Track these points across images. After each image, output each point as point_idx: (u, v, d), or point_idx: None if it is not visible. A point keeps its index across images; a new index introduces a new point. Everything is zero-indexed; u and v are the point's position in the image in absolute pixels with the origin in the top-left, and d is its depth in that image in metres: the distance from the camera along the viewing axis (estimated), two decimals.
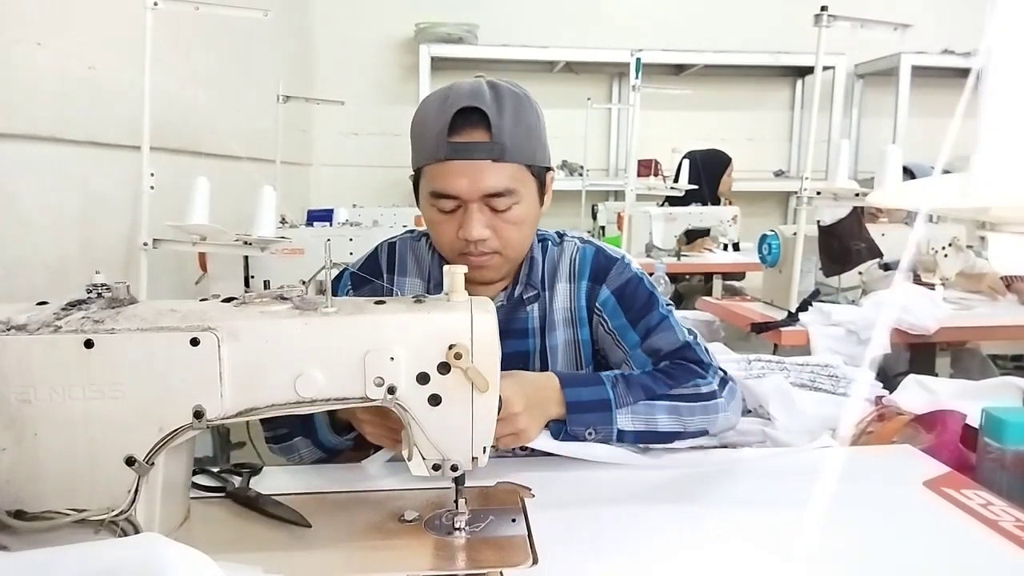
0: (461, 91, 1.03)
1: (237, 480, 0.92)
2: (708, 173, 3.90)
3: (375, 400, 0.72)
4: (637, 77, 3.33)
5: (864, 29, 2.33)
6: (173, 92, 1.98)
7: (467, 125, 1.01)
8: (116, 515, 0.69)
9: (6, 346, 0.66)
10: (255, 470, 0.96)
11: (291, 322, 0.71)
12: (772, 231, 2.47)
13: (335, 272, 0.83)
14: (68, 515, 0.68)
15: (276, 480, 0.95)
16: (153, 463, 0.70)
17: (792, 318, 2.15)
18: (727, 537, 0.80)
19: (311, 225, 2.99)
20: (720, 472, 0.99)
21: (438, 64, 4.62)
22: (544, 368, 1.15)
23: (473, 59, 4.56)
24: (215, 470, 0.96)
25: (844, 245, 2.24)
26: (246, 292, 0.76)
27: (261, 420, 0.86)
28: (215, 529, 0.82)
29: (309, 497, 0.90)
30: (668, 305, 1.17)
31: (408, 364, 0.72)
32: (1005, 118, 0.43)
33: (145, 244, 1.78)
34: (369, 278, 1.16)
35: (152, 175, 1.79)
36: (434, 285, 1.17)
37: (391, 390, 0.72)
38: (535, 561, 0.74)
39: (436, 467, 0.77)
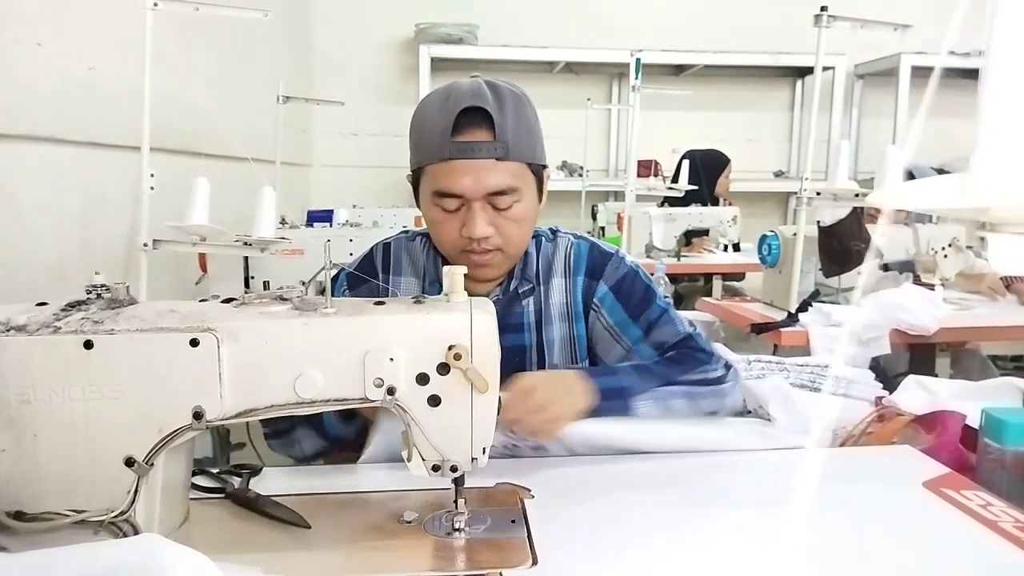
0: (462, 91, 1.04)
1: (237, 481, 0.92)
2: (706, 173, 3.90)
3: (375, 401, 0.72)
4: (637, 77, 3.33)
5: (864, 29, 2.33)
6: (173, 93, 1.98)
7: (470, 125, 1.02)
8: (115, 516, 0.69)
9: (6, 347, 0.66)
10: (255, 471, 0.96)
11: (291, 323, 0.71)
12: (772, 232, 2.47)
13: (333, 272, 0.83)
14: (67, 516, 0.68)
15: (276, 481, 0.95)
16: (152, 464, 0.70)
17: (792, 319, 2.15)
18: (727, 537, 0.80)
19: (311, 226, 2.99)
20: (720, 472, 0.99)
21: (438, 65, 4.62)
22: (541, 362, 1.16)
23: (473, 59, 4.56)
24: (215, 471, 0.96)
25: (844, 246, 2.24)
26: (246, 293, 0.76)
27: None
28: (214, 530, 0.82)
29: (308, 498, 0.90)
30: (665, 297, 1.20)
31: (408, 365, 0.72)
32: (1005, 118, 0.43)
33: (145, 245, 1.78)
34: (365, 277, 1.17)
35: (152, 175, 1.79)
36: (429, 283, 1.17)
37: (391, 391, 0.72)
38: (535, 562, 0.74)
39: (436, 468, 0.77)
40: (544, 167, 1.13)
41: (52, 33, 1.84)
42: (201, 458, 2.14)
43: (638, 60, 3.34)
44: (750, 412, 1.31)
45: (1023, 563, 0.74)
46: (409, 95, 4.83)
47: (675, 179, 3.85)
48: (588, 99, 4.37)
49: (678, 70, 5.16)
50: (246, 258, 2.31)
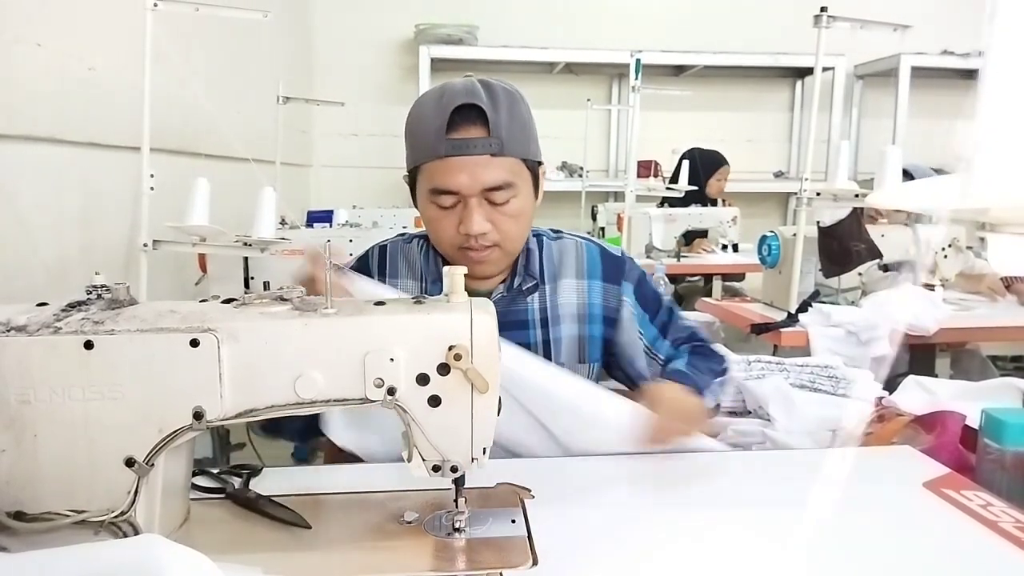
0: (456, 89, 1.06)
1: (237, 481, 0.92)
2: (700, 173, 3.91)
3: (375, 401, 0.72)
4: (637, 78, 3.33)
5: (864, 30, 2.33)
6: (173, 93, 1.98)
7: (465, 122, 1.04)
8: (116, 516, 0.69)
9: (6, 347, 0.66)
10: (255, 471, 0.96)
11: (291, 323, 0.71)
12: (772, 232, 2.47)
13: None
14: (68, 516, 0.68)
15: (276, 481, 0.95)
16: (153, 464, 0.70)
17: (792, 319, 2.16)
18: (727, 537, 0.80)
19: (311, 226, 2.99)
20: (720, 472, 1.00)
21: (438, 65, 4.63)
22: (547, 359, 1.16)
23: (473, 60, 4.56)
24: (215, 471, 0.96)
25: (844, 246, 2.24)
26: (246, 293, 0.76)
27: None
28: (215, 530, 0.82)
29: (309, 498, 0.89)
30: (668, 298, 1.29)
31: (408, 365, 0.72)
32: (1005, 119, 0.43)
33: (145, 245, 1.78)
34: (363, 276, 1.17)
35: (152, 176, 1.79)
36: (432, 282, 1.18)
37: (391, 391, 0.72)
38: (535, 562, 0.74)
39: (436, 468, 0.77)
40: (540, 164, 1.14)
41: (52, 33, 1.84)
42: (201, 458, 2.14)
43: (638, 60, 3.34)
44: (750, 412, 1.31)
45: (1023, 563, 0.75)
46: (409, 95, 4.82)
47: (675, 179, 3.85)
48: (588, 100, 4.37)
49: (678, 70, 5.16)
50: (246, 258, 2.31)
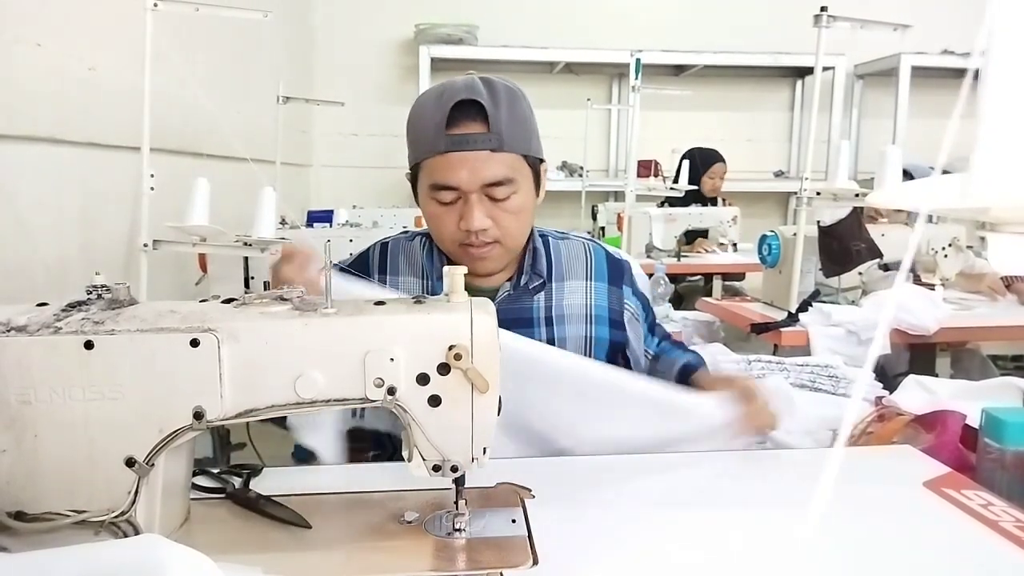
0: (456, 86, 1.06)
1: (237, 481, 0.92)
2: (694, 170, 3.91)
3: (375, 401, 0.72)
4: (637, 78, 3.33)
5: (864, 30, 2.33)
6: (173, 93, 1.98)
7: (465, 118, 1.04)
8: (116, 516, 0.69)
9: (6, 347, 0.66)
10: (255, 471, 0.96)
11: (291, 323, 0.71)
12: (772, 232, 2.47)
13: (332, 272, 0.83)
14: (68, 516, 0.68)
15: (276, 481, 0.95)
16: (153, 464, 0.70)
17: (792, 319, 2.16)
18: (727, 537, 0.80)
19: (311, 226, 2.99)
20: (720, 472, 1.00)
21: (438, 65, 4.63)
22: None
23: (473, 60, 4.56)
24: (215, 471, 0.96)
25: (844, 246, 2.24)
26: (246, 293, 0.76)
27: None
28: (215, 530, 0.82)
29: (309, 498, 0.89)
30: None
31: (408, 365, 0.72)
32: (1005, 118, 0.43)
33: (145, 245, 1.78)
34: (357, 274, 1.16)
35: (152, 176, 1.79)
36: (436, 279, 1.17)
37: (391, 391, 0.72)
38: (535, 562, 0.74)
39: (436, 468, 0.77)
40: (541, 161, 1.14)
41: (52, 33, 1.85)
42: (201, 458, 2.14)
43: (638, 60, 3.34)
44: None
45: (1023, 563, 0.75)
46: (409, 95, 4.83)
47: (675, 179, 3.85)
48: (588, 99, 4.37)
49: (678, 70, 5.16)
50: (246, 258, 2.31)
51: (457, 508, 0.80)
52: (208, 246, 1.81)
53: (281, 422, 1.11)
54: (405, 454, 0.77)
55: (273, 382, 0.71)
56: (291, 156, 3.80)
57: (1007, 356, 3.48)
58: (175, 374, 0.68)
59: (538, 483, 0.92)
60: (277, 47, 3.99)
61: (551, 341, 1.16)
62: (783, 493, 0.92)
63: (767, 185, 5.24)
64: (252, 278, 2.34)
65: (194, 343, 0.68)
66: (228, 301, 0.76)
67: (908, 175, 2.38)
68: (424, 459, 0.76)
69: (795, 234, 2.34)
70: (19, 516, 0.68)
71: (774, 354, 1.91)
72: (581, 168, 4.63)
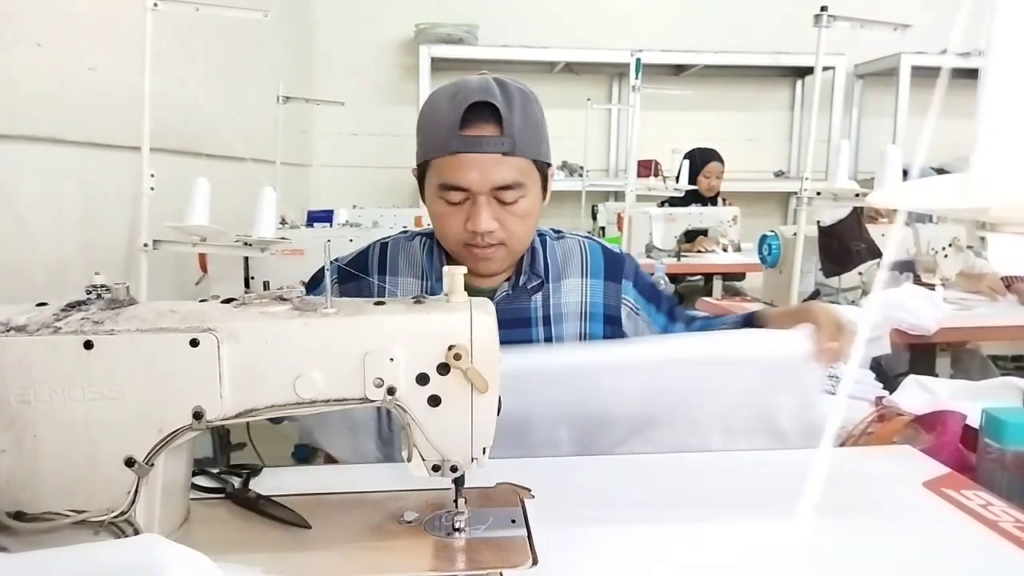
0: (471, 86, 1.06)
1: (237, 481, 0.92)
2: (695, 170, 3.91)
3: (375, 401, 0.72)
4: (637, 77, 3.33)
5: (864, 29, 2.33)
6: (173, 93, 1.98)
7: (478, 119, 1.03)
8: (116, 516, 0.69)
9: (6, 347, 0.66)
10: (255, 471, 0.96)
11: (291, 323, 0.71)
12: (772, 232, 2.47)
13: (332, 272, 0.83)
14: (68, 516, 0.68)
15: (276, 481, 0.94)
16: (153, 464, 0.70)
17: None
18: (727, 537, 0.80)
19: (311, 226, 2.99)
20: (721, 472, 0.99)
21: (438, 65, 4.63)
22: None
23: (473, 60, 4.56)
24: (215, 471, 0.95)
25: (844, 246, 2.24)
26: (246, 293, 0.76)
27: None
28: (215, 530, 0.82)
29: (309, 498, 0.89)
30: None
31: (408, 365, 0.72)
32: (1005, 118, 0.43)
33: (145, 245, 1.78)
34: (357, 273, 1.16)
35: (152, 176, 1.79)
36: (436, 280, 1.17)
37: (391, 391, 0.72)
38: (535, 562, 0.74)
39: (436, 468, 0.77)
40: (549, 165, 1.14)
41: (52, 33, 1.85)
42: (201, 458, 2.14)
43: (638, 60, 3.34)
44: None
45: (1023, 563, 0.75)
46: (409, 95, 4.83)
47: (678, 179, 3.85)
48: (588, 99, 4.37)
49: (678, 70, 5.16)
50: (246, 258, 2.31)
51: (457, 508, 0.80)
52: (208, 246, 1.81)
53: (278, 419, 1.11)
54: (405, 454, 0.77)
55: (273, 382, 0.71)
56: (291, 156, 3.80)
57: (1007, 356, 3.48)
58: (175, 374, 0.68)
59: (538, 483, 0.92)
60: (277, 47, 3.99)
61: (548, 340, 1.17)
62: (783, 493, 0.91)
63: (767, 185, 5.25)
64: (252, 278, 2.34)
65: (194, 343, 0.68)
66: (228, 301, 0.76)
67: (908, 175, 2.38)
68: (424, 459, 0.76)
69: (795, 234, 2.34)
70: (19, 516, 0.68)
71: None
72: (581, 168, 4.63)
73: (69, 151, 1.94)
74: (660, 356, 1.07)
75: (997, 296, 2.51)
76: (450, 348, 0.72)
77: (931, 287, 2.31)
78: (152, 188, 1.79)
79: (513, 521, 0.83)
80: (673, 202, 3.91)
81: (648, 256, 3.58)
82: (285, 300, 0.74)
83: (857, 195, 2.22)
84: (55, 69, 1.87)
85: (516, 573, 0.73)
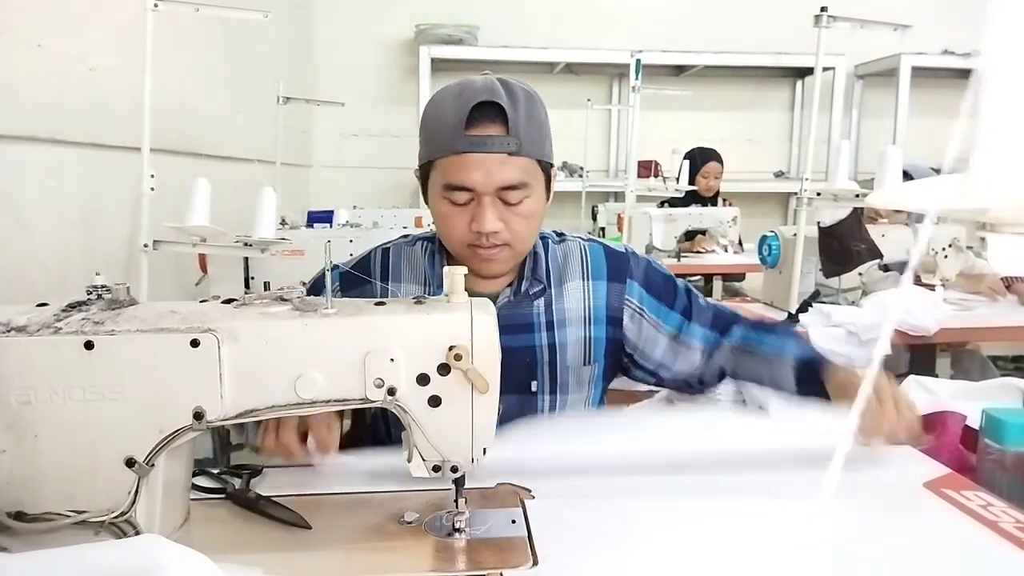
0: (476, 86, 1.05)
1: (237, 482, 0.92)
2: (695, 170, 3.91)
3: (375, 401, 0.72)
4: (637, 78, 3.33)
5: (864, 30, 2.33)
6: (173, 93, 1.99)
7: (484, 119, 1.03)
8: (116, 516, 0.69)
9: (6, 348, 0.66)
10: (255, 471, 0.96)
11: (291, 323, 0.71)
12: (772, 232, 2.47)
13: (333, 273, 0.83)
14: (68, 516, 0.68)
15: (276, 481, 0.95)
16: (153, 464, 0.70)
17: (792, 319, 2.15)
18: (727, 537, 0.80)
19: (311, 226, 2.99)
20: (721, 472, 0.99)
21: (438, 65, 4.63)
22: (553, 363, 1.16)
23: (473, 60, 4.56)
24: (215, 471, 0.96)
25: (844, 246, 2.24)
26: (246, 293, 0.76)
27: None
28: (215, 530, 0.82)
29: (309, 498, 0.90)
30: (679, 279, 1.27)
31: (408, 365, 0.72)
32: (1004, 118, 0.43)
33: (145, 246, 1.78)
34: (363, 276, 1.16)
35: (152, 176, 1.79)
36: (434, 288, 1.17)
37: (391, 391, 0.72)
38: (535, 562, 0.74)
39: (436, 468, 0.77)
40: (552, 165, 1.14)
41: (52, 33, 1.85)
42: (202, 459, 2.15)
43: (638, 60, 3.34)
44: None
45: (1023, 563, 0.75)
46: (409, 96, 4.83)
47: (678, 179, 3.85)
48: (588, 99, 4.37)
49: (678, 70, 5.16)
50: (246, 259, 2.31)
51: (457, 508, 0.80)
52: (208, 246, 1.81)
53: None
54: (405, 454, 0.77)
55: (273, 382, 0.71)
56: (291, 156, 3.80)
57: (1007, 357, 3.48)
58: (175, 374, 0.68)
59: (538, 483, 0.92)
60: (277, 47, 4.00)
61: (552, 346, 1.16)
62: (784, 493, 0.92)
63: (767, 185, 5.24)
64: (252, 278, 2.34)
65: (194, 343, 0.68)
66: (228, 301, 0.76)
67: (908, 176, 2.38)
68: (424, 459, 0.76)
69: (795, 234, 2.34)
70: (19, 516, 0.68)
71: None
72: (581, 168, 4.63)
73: (69, 151, 1.95)
74: (686, 449, 1.01)
75: (997, 297, 2.52)
76: (451, 348, 0.72)
77: (931, 288, 2.31)
78: (152, 188, 1.79)
79: (513, 521, 0.83)
80: (673, 202, 3.91)
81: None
82: (285, 300, 0.74)
83: (857, 195, 2.21)
84: (55, 69, 1.87)
85: (516, 573, 0.73)
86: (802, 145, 5.06)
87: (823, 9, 2.26)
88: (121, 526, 0.69)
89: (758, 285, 2.76)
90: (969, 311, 2.37)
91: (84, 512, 0.68)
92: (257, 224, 1.76)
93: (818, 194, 2.29)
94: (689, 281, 4.15)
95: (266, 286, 0.77)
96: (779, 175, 5.37)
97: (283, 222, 2.68)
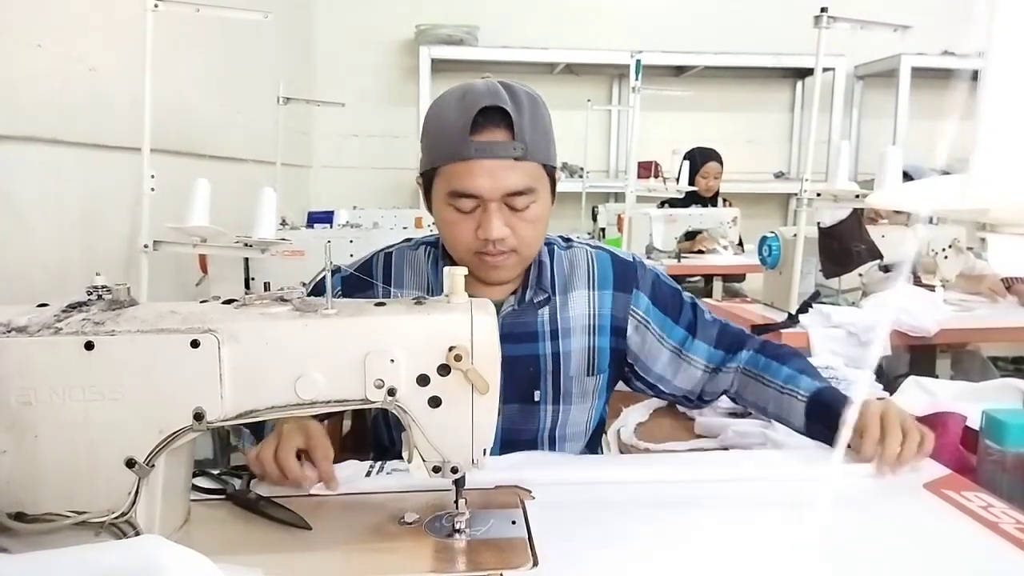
0: (479, 91, 1.03)
1: (237, 482, 0.92)
2: (695, 170, 3.91)
3: (376, 402, 0.72)
4: (637, 79, 3.32)
5: (864, 30, 2.33)
6: (174, 94, 1.99)
7: (489, 124, 1.01)
8: (116, 517, 0.69)
9: (6, 348, 0.66)
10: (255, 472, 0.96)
11: (291, 324, 0.71)
12: (772, 233, 2.47)
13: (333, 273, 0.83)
14: (68, 517, 0.68)
15: None
16: (153, 465, 0.70)
17: (792, 320, 2.15)
18: (727, 538, 0.80)
19: (311, 227, 2.99)
20: (721, 473, 0.99)
21: (438, 66, 4.63)
22: (556, 372, 1.15)
23: (473, 61, 4.56)
24: (215, 472, 0.96)
25: (844, 247, 2.24)
26: (246, 294, 0.76)
27: None
28: (215, 531, 0.82)
29: (309, 499, 0.90)
30: (687, 293, 1.24)
31: (408, 366, 0.72)
32: (1004, 119, 0.43)
33: (145, 246, 1.78)
34: (367, 279, 1.15)
35: (152, 177, 1.79)
36: (438, 293, 1.16)
37: (391, 392, 0.72)
38: (535, 563, 0.74)
39: (436, 469, 0.77)
40: (556, 168, 1.13)
41: (52, 34, 1.85)
42: (202, 459, 2.15)
43: (638, 61, 3.34)
44: (750, 413, 1.30)
45: (1023, 564, 0.74)
46: (409, 96, 4.83)
47: (678, 180, 3.85)
48: (588, 100, 4.37)
49: (678, 71, 5.17)
50: (246, 259, 2.31)
51: (457, 509, 0.80)
52: (208, 247, 1.81)
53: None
54: (405, 455, 0.77)
55: (273, 383, 0.71)
56: (291, 157, 3.80)
57: (1007, 358, 3.48)
58: (175, 375, 0.68)
59: (538, 484, 0.92)
60: (277, 47, 4.00)
61: (556, 355, 1.14)
62: (784, 494, 0.92)
63: (767, 186, 5.24)
64: (252, 279, 2.34)
65: (194, 344, 0.68)
66: (228, 302, 0.76)
67: (908, 177, 2.38)
68: (424, 460, 0.76)
69: (795, 235, 2.33)
70: (19, 517, 0.68)
71: None
72: (581, 169, 4.63)
73: (69, 152, 1.95)
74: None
75: (997, 297, 2.52)
76: (451, 349, 0.72)
77: (931, 288, 2.31)
78: (152, 189, 1.79)
79: (513, 522, 0.83)
80: (673, 203, 3.91)
81: (648, 258, 3.58)
82: (286, 301, 0.74)
83: (857, 196, 2.21)
84: (55, 69, 1.87)
85: (516, 574, 0.73)
86: (802, 146, 5.06)
87: (823, 10, 2.26)
88: (121, 527, 0.69)
89: (758, 286, 2.75)
90: (969, 312, 2.37)
91: (84, 513, 0.68)
92: (257, 225, 1.76)
93: (818, 195, 2.29)
94: (689, 282, 4.17)
95: (266, 287, 0.77)
96: (779, 176, 5.37)
97: (283, 223, 2.68)
